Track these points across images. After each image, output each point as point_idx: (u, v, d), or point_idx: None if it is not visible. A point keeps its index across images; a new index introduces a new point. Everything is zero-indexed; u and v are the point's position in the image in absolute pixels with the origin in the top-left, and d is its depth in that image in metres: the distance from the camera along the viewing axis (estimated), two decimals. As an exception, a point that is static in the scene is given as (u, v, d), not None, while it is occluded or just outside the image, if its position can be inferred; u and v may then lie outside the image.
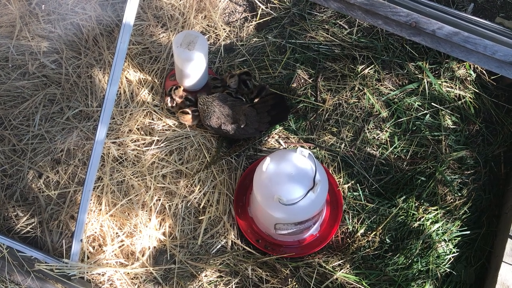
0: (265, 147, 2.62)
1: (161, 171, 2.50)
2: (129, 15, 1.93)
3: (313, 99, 2.72)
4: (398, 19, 1.51)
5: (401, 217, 2.46)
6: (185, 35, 2.44)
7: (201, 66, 2.51)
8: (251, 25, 2.96)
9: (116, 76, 1.94)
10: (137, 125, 2.60)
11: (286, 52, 2.86)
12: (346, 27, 2.94)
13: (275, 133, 2.65)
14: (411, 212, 2.45)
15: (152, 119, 2.63)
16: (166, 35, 2.86)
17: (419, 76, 2.79)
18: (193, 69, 2.50)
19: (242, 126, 2.45)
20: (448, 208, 2.47)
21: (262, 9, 2.98)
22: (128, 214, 2.43)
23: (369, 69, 2.79)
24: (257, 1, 3.00)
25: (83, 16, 2.83)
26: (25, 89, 2.68)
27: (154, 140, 2.56)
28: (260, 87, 2.63)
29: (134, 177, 2.48)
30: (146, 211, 2.43)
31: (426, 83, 2.75)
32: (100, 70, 2.72)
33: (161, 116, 2.64)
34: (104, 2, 2.87)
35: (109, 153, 2.51)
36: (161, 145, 2.56)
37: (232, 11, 3.02)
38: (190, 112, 2.52)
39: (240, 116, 2.45)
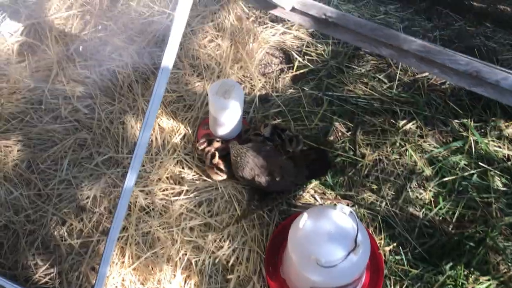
0: (300, 202, 2.47)
1: (189, 223, 2.36)
2: (168, 59, 1.87)
3: (352, 153, 2.59)
4: (457, 67, 1.40)
5: (449, 286, 2.23)
6: (221, 84, 2.38)
7: (236, 115, 2.43)
8: (287, 76, 2.90)
9: (151, 121, 1.86)
10: (167, 174, 2.49)
11: (323, 104, 2.77)
12: (386, 81, 2.85)
13: (311, 188, 2.50)
14: (460, 281, 2.22)
15: (183, 168, 2.53)
16: (201, 84, 2.81)
17: (464, 134, 2.64)
18: (228, 118, 2.41)
19: (277, 179, 2.31)
20: (502, 279, 2.23)
21: (299, 61, 2.93)
22: (152, 268, 2.27)
23: (411, 125, 2.66)
24: (293, 53, 2.96)
25: (119, 63, 2.82)
26: (56, 133, 2.64)
27: (183, 190, 2.45)
28: (294, 138, 2.52)
29: (160, 228, 2.34)
30: (171, 266, 2.27)
31: (472, 141, 2.59)
32: (133, 116, 2.67)
33: (191, 165, 2.53)
34: (141, 50, 2.86)
35: (136, 202, 2.40)
36: (190, 195, 2.44)
37: (268, 63, 2.98)
38: (223, 168, 2.42)
39: (275, 168, 2.33)
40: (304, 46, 2.99)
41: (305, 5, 1.72)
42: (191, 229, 2.36)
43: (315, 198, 2.48)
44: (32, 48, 2.92)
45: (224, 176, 2.45)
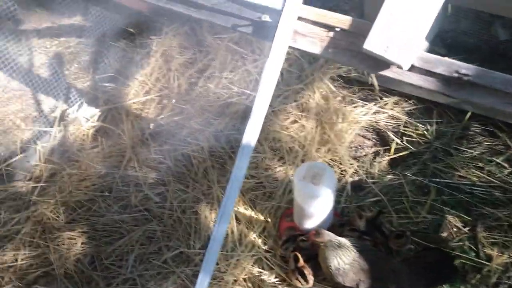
0: (411, 318, 1.94)
1: None
2: (249, 139, 1.57)
3: (474, 254, 2.06)
4: None
5: None
6: (309, 167, 2.03)
7: (327, 204, 2.04)
8: (383, 160, 2.50)
9: (227, 210, 1.52)
10: (244, 275, 2.10)
11: (430, 193, 2.30)
12: (506, 165, 2.36)
13: (424, 299, 1.97)
14: None
15: (262, 268, 2.12)
16: (283, 169, 2.48)
17: None
18: (318, 207, 2.02)
19: (389, 289, 1.81)
20: None
21: (396, 143, 2.53)
22: None
23: (549, 219, 2.11)
24: (390, 134, 2.58)
25: (195, 147, 2.59)
26: (124, 223, 2.38)
27: (263, 297, 2.03)
28: (402, 234, 2.04)
29: None
30: None
31: None
32: (208, 205, 2.36)
33: (273, 265, 2.13)
34: (218, 133, 2.63)
35: (207, 309, 2.00)
36: (273, 304, 2.01)
37: (360, 145, 2.61)
38: (308, 274, 1.98)
39: (387, 274, 1.83)
40: (402, 126, 2.61)
41: (428, 61, 1.38)
42: None
43: (430, 313, 1.94)
44: (107, 133, 2.79)
45: (308, 285, 2.00)
